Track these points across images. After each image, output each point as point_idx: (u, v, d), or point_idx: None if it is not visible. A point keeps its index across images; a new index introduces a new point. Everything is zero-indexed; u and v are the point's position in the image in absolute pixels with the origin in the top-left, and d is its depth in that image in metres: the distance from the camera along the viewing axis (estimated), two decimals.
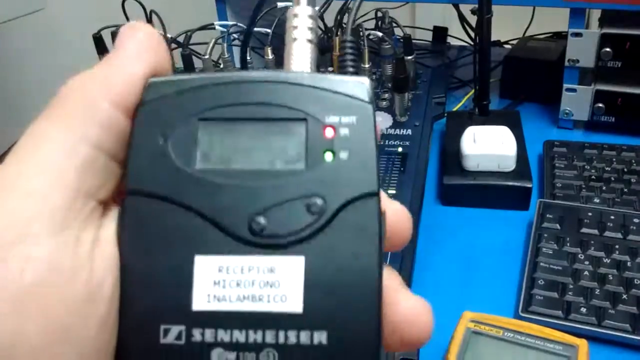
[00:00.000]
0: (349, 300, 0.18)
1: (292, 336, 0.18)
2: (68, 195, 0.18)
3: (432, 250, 0.58)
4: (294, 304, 0.18)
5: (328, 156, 0.19)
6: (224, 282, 0.18)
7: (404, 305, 0.19)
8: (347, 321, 0.18)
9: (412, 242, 0.52)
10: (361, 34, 0.73)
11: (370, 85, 0.20)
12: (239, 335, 0.18)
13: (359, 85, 0.20)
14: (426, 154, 0.64)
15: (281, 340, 0.17)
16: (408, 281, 0.49)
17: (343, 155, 0.19)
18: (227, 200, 0.18)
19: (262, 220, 0.18)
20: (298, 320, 0.18)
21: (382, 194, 0.19)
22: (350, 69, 0.23)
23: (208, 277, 0.18)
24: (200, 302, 0.18)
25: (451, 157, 0.66)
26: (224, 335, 0.18)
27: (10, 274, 0.16)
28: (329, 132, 0.19)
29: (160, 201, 0.19)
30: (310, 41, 0.21)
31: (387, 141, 0.65)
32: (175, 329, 0.18)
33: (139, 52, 0.20)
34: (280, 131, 0.19)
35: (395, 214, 0.21)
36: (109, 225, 0.19)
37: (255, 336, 0.18)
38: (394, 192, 0.58)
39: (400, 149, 0.64)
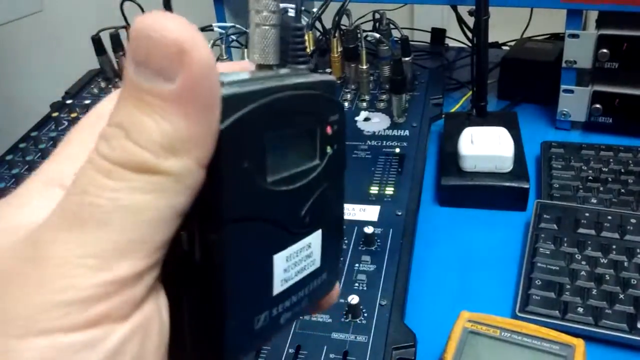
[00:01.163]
0: (335, 247, 0.25)
1: (315, 283, 0.24)
2: (156, 269, 0.18)
3: (429, 250, 0.59)
4: (317, 262, 0.24)
5: (329, 149, 0.23)
6: (289, 267, 0.22)
7: None
8: (334, 261, 0.25)
9: (409, 242, 0.53)
10: (359, 35, 0.73)
11: (336, 83, 0.24)
12: (294, 297, 0.23)
13: (333, 85, 0.23)
14: (424, 155, 0.64)
15: (311, 288, 0.24)
16: (405, 282, 0.49)
17: (335, 146, 0.23)
18: (289, 203, 0.21)
19: (306, 212, 0.22)
20: (318, 272, 0.24)
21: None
22: (302, 59, 0.23)
23: (281, 268, 0.22)
24: (277, 287, 0.22)
25: (449, 158, 0.66)
26: (287, 303, 0.22)
27: (116, 349, 0.17)
28: (329, 129, 0.23)
29: (253, 222, 0.20)
30: (274, 25, 0.21)
31: (384, 142, 0.65)
32: (264, 315, 0.21)
33: (214, 92, 0.17)
34: (308, 134, 0.22)
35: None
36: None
37: (301, 293, 0.23)
38: (391, 192, 0.58)
39: (397, 150, 0.64)
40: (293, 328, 0.45)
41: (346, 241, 0.52)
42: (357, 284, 0.48)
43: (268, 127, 0.20)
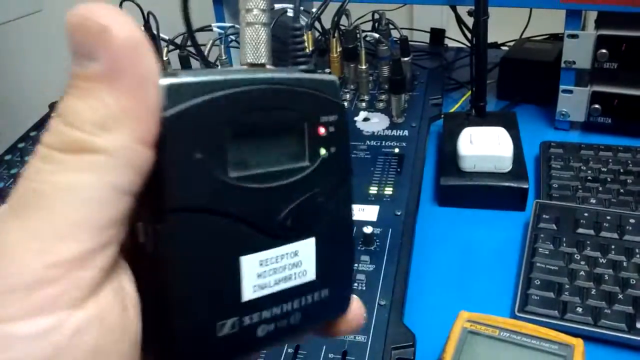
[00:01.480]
0: (339, 262, 0.23)
1: (309, 298, 0.22)
2: (108, 253, 0.17)
3: (428, 250, 0.59)
4: (311, 275, 0.22)
5: (323, 151, 0.22)
6: (264, 272, 0.21)
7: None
8: (339, 277, 0.23)
9: (408, 242, 0.53)
10: (358, 35, 0.73)
11: (338, 83, 0.22)
12: (276, 310, 0.21)
13: (333, 84, 0.22)
14: (423, 155, 0.64)
15: (303, 303, 0.22)
16: (404, 281, 0.49)
17: (332, 149, 0.22)
18: (260, 202, 0.20)
19: (287, 215, 0.21)
20: (313, 286, 0.22)
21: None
22: (302, 59, 0.23)
23: (253, 272, 0.20)
24: (248, 293, 0.20)
25: (448, 158, 0.66)
26: (266, 314, 0.21)
27: (64, 342, 0.16)
28: (322, 130, 0.22)
29: (203, 214, 0.19)
30: (265, 24, 0.21)
31: (383, 142, 0.65)
32: (229, 322, 0.20)
33: (146, 67, 0.17)
34: (290, 132, 0.21)
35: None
36: (123, 264, 0.18)
37: (287, 307, 0.22)
38: (390, 192, 0.58)
39: (397, 150, 0.64)
40: None
41: None
42: (356, 284, 0.48)
43: (231, 120, 0.19)
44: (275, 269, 0.21)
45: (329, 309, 0.23)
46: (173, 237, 0.18)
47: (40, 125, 0.77)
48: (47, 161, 0.16)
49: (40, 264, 0.16)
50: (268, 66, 0.22)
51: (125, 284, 0.18)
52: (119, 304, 0.18)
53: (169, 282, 0.19)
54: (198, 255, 0.19)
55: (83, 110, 0.17)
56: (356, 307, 0.24)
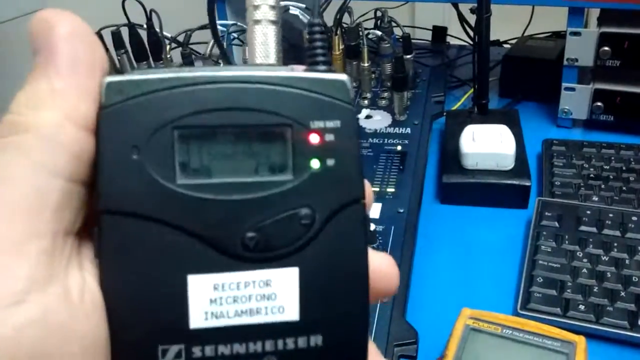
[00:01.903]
0: (341, 304, 0.19)
1: (290, 342, 0.18)
2: (47, 241, 0.16)
3: (431, 248, 0.59)
4: (291, 313, 0.18)
5: (315, 163, 0.18)
6: (220, 299, 0.18)
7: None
8: (340, 323, 0.19)
9: (411, 240, 0.53)
10: (360, 33, 0.73)
11: (349, 83, 0.19)
12: (239, 348, 0.18)
13: (339, 84, 0.19)
14: (425, 153, 0.64)
15: (280, 347, 0.18)
16: (407, 279, 0.49)
17: (330, 162, 0.18)
18: (217, 216, 0.17)
19: (254, 234, 0.18)
20: (295, 328, 0.18)
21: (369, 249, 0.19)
22: (321, 58, 0.19)
23: (204, 296, 0.18)
24: (198, 320, 0.18)
25: (450, 156, 0.66)
26: (224, 349, 0.18)
27: (4, 342, 0.14)
28: (314, 138, 0.18)
29: (141, 220, 0.17)
30: (273, 22, 0.19)
31: (386, 140, 0.66)
32: (174, 349, 0.17)
33: (83, 56, 0.18)
34: (264, 139, 0.18)
35: (380, 267, 0.20)
36: (88, 258, 0.18)
37: (255, 347, 0.18)
38: (392, 190, 0.58)
39: (399, 148, 0.64)
40: None
41: None
42: None
43: (179, 121, 0.17)
44: (235, 297, 0.18)
45: None
46: (107, 242, 0.17)
47: None
48: None
49: None
50: (279, 66, 0.20)
51: (89, 280, 0.17)
52: (71, 302, 0.16)
53: (105, 290, 0.17)
54: (135, 265, 0.17)
55: (20, 96, 0.17)
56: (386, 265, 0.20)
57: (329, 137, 0.18)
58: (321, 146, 0.18)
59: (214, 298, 0.18)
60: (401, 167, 0.61)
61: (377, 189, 0.58)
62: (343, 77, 0.19)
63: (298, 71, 0.19)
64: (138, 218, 0.17)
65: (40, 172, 0.16)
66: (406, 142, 0.65)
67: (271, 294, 0.18)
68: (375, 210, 0.55)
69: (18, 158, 0.16)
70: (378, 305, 0.46)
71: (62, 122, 0.17)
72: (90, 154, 0.17)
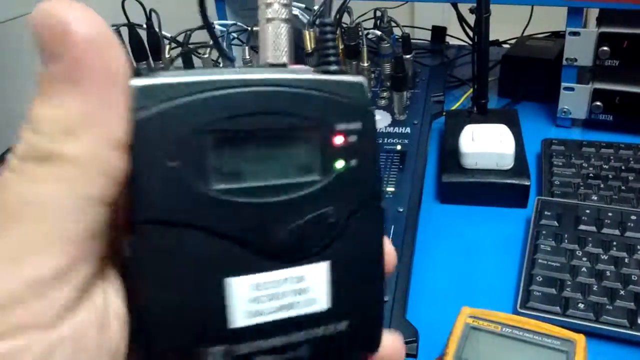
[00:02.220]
0: (362, 290, 0.20)
1: (321, 331, 0.20)
2: (86, 268, 0.16)
3: (430, 247, 0.59)
4: (321, 304, 0.19)
5: (339, 164, 0.19)
6: (259, 298, 0.18)
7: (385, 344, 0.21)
8: (362, 307, 0.20)
9: (411, 239, 0.53)
10: (360, 33, 0.73)
11: (367, 85, 0.20)
12: (277, 341, 0.19)
13: (358, 87, 0.19)
14: (425, 152, 0.64)
15: (312, 336, 0.19)
16: (407, 278, 0.49)
17: (353, 162, 0.19)
18: (253, 219, 0.18)
19: (288, 234, 0.18)
20: (325, 317, 0.20)
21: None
22: (333, 59, 0.20)
23: (243, 296, 0.18)
24: (239, 320, 0.18)
25: (450, 155, 0.66)
26: (263, 344, 0.19)
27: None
28: (339, 140, 0.19)
29: (179, 227, 0.17)
30: (286, 20, 0.19)
31: (386, 139, 0.66)
32: (218, 349, 0.18)
33: (110, 64, 0.16)
34: (294, 141, 0.19)
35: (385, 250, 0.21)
36: (111, 274, 0.18)
37: (290, 338, 0.19)
38: (392, 189, 0.58)
39: (399, 147, 0.64)
40: None
41: None
42: None
43: (213, 126, 0.17)
44: (272, 295, 0.19)
45: (349, 345, 0.20)
46: (144, 251, 0.17)
47: None
48: (15, 172, 0.15)
49: (9, 283, 0.15)
50: (290, 66, 0.20)
51: (111, 297, 0.17)
52: (98, 321, 0.16)
53: (142, 300, 0.17)
54: (175, 273, 0.17)
55: (47, 115, 0.15)
56: (392, 347, 0.22)
57: (352, 139, 0.19)
58: (345, 147, 0.19)
59: (253, 297, 0.18)
60: (401, 167, 0.61)
61: None
62: (361, 79, 0.19)
63: (304, 72, 0.19)
64: (176, 226, 0.17)
65: (82, 202, 0.16)
66: (406, 141, 0.65)
67: (304, 288, 0.19)
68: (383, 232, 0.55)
69: (60, 190, 0.15)
70: None
71: (100, 148, 0.16)
72: (123, 171, 0.16)
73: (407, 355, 0.43)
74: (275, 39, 0.19)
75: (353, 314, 0.20)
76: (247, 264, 0.18)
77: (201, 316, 0.18)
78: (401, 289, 0.47)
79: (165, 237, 0.17)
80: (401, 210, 0.55)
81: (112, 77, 0.16)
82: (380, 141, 0.66)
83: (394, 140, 0.65)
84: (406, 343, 0.43)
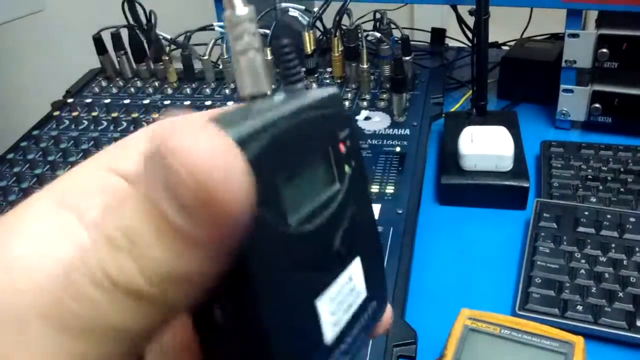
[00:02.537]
0: (378, 272, 0.23)
1: (366, 315, 0.22)
2: None
3: (430, 249, 0.59)
4: (363, 294, 0.22)
5: (347, 169, 0.21)
6: (335, 308, 0.20)
7: None
8: (380, 287, 0.23)
9: (410, 241, 0.53)
10: (359, 34, 0.73)
11: (341, 94, 0.21)
12: (349, 339, 0.21)
13: (337, 97, 0.21)
14: (424, 154, 0.64)
15: (363, 322, 0.22)
16: (406, 280, 0.49)
17: (353, 164, 0.21)
18: (317, 242, 0.19)
19: (340, 243, 0.20)
20: (366, 302, 0.22)
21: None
22: (298, 77, 0.20)
23: (327, 312, 0.19)
24: (329, 334, 0.20)
25: (449, 157, 0.66)
26: (343, 346, 0.20)
27: None
28: (342, 148, 0.21)
29: (279, 273, 0.17)
30: (258, 49, 0.19)
31: (385, 141, 0.66)
32: None
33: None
34: (323, 159, 0.20)
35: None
36: None
37: (354, 332, 0.21)
38: (392, 191, 0.58)
39: (398, 149, 0.64)
40: None
41: None
42: None
43: (278, 165, 0.17)
44: (341, 301, 0.20)
45: (375, 317, 0.23)
46: (262, 305, 0.17)
47: (43, 124, 0.77)
48: (98, 288, 0.14)
49: None
50: (273, 95, 0.20)
51: None
52: None
53: (268, 354, 0.17)
54: (285, 316, 0.18)
55: (158, 257, 0.14)
56: (388, 310, 0.24)
57: (348, 143, 0.21)
58: (347, 153, 0.21)
59: (333, 310, 0.20)
60: (400, 169, 0.61)
61: (377, 190, 0.58)
62: (336, 89, 0.21)
63: (285, 97, 0.19)
64: (279, 271, 0.17)
65: (145, 332, 0.15)
66: (405, 143, 0.65)
67: (353, 285, 0.21)
68: (374, 211, 0.55)
69: (134, 322, 0.15)
70: None
71: (191, 295, 0.16)
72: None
73: (406, 357, 0.43)
74: (252, 69, 0.19)
75: (376, 290, 0.22)
76: (323, 282, 0.19)
77: (311, 344, 0.19)
78: (400, 291, 0.47)
79: (275, 287, 0.17)
80: (400, 212, 0.55)
81: (237, 245, 0.15)
82: (380, 143, 0.66)
83: (393, 142, 0.65)
84: (405, 345, 0.43)
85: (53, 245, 0.16)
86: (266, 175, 0.16)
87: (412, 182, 0.59)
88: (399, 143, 0.65)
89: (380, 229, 0.53)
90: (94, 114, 0.77)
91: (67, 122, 0.77)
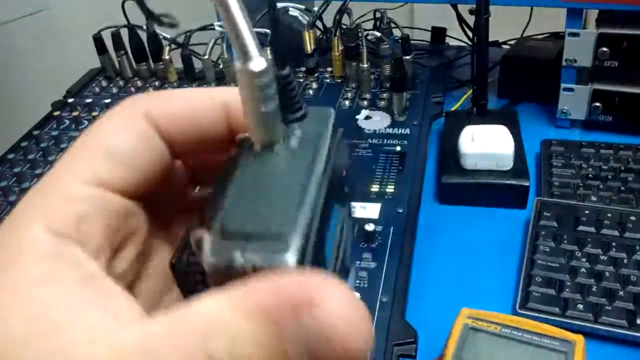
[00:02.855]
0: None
1: None
2: None
3: (430, 248, 0.59)
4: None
5: (346, 188, 0.22)
6: None
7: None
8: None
9: (410, 240, 0.53)
10: (360, 34, 0.73)
11: (334, 113, 0.21)
12: None
13: (333, 116, 0.20)
14: (424, 153, 0.64)
15: None
16: (406, 279, 0.49)
17: (348, 182, 0.22)
18: (341, 273, 0.20)
19: (337, 264, 0.20)
20: None
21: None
22: (298, 106, 0.19)
23: None
24: None
25: (449, 156, 0.66)
26: None
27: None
28: (345, 172, 0.21)
29: None
30: (274, 100, 0.18)
31: (385, 140, 0.66)
32: None
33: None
34: (342, 191, 0.21)
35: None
36: None
37: None
38: (392, 190, 0.58)
39: (398, 148, 0.64)
40: None
41: None
42: (358, 281, 0.48)
43: (322, 230, 0.17)
44: None
45: None
46: None
47: (43, 124, 0.77)
48: None
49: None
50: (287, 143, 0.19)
51: None
52: None
53: None
54: None
55: None
56: None
57: (348, 167, 0.21)
58: (346, 175, 0.21)
59: None
60: (400, 168, 0.61)
61: (377, 189, 0.58)
62: (329, 109, 0.20)
63: (298, 135, 0.19)
64: None
65: None
66: (405, 142, 0.65)
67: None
68: (374, 211, 0.56)
69: None
70: (377, 305, 0.46)
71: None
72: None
73: (406, 356, 0.43)
74: (265, 121, 0.18)
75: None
76: None
77: None
78: (400, 290, 0.47)
79: None
80: (400, 211, 0.55)
81: None
82: (380, 142, 0.66)
83: (394, 142, 0.65)
84: (405, 344, 0.43)
85: (50, 292, 0.15)
86: (315, 249, 0.16)
87: (412, 181, 0.59)
88: (400, 142, 0.65)
89: (380, 228, 0.53)
90: (94, 113, 0.77)
91: (67, 122, 0.77)
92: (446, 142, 0.69)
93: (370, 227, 0.52)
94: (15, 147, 0.74)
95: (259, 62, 0.16)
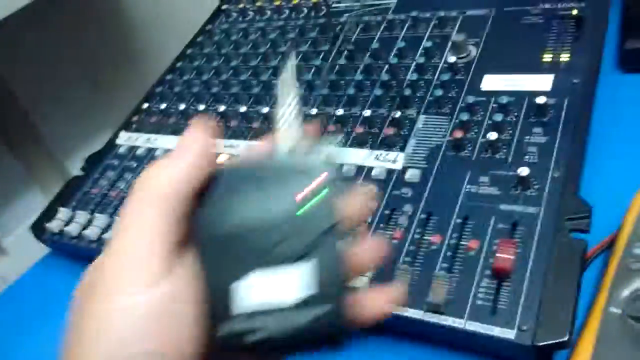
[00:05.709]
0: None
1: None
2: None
3: (609, 121, 0.54)
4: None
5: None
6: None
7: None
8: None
9: (587, 113, 0.49)
10: None
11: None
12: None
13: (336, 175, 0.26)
14: (605, 16, 0.58)
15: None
16: (582, 153, 0.46)
17: None
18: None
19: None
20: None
21: None
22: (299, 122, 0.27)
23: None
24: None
25: (635, 18, 0.59)
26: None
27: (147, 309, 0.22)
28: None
29: None
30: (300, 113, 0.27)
31: (559, 4, 0.60)
32: None
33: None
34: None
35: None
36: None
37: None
38: (567, 59, 0.53)
39: (574, 12, 0.58)
40: (460, 200, 0.46)
41: (515, 113, 0.51)
42: (527, 156, 0.47)
43: None
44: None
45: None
46: None
47: (213, 18, 0.82)
48: None
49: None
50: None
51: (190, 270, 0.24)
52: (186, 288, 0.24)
53: None
54: None
55: None
56: None
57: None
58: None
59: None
60: (577, 34, 0.55)
61: (549, 59, 0.54)
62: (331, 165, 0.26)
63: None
64: None
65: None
66: (582, 5, 0.58)
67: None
68: (546, 82, 0.52)
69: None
70: (549, 180, 0.45)
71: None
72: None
73: (579, 230, 0.42)
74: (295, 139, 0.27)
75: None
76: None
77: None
78: (574, 165, 0.45)
79: None
80: (576, 81, 0.51)
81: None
82: (553, 6, 0.59)
83: (570, 5, 0.59)
84: (578, 219, 0.42)
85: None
86: None
87: (590, 48, 0.54)
88: (576, 5, 0.59)
89: (553, 100, 0.50)
90: (259, 3, 0.80)
91: (234, 14, 0.81)
92: (631, 1, 0.61)
93: (541, 99, 0.49)
94: (192, 43, 0.80)
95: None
